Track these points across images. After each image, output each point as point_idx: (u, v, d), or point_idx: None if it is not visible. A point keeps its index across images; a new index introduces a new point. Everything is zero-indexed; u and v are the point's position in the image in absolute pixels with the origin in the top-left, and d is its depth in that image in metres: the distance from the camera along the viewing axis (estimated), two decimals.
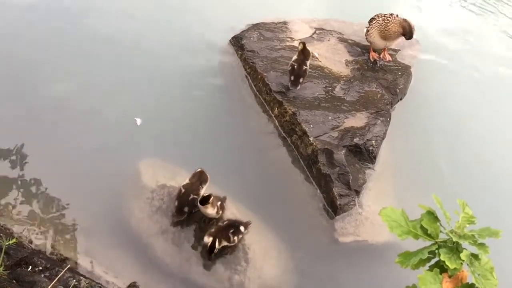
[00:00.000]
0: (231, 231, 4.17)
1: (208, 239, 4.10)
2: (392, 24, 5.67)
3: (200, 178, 4.45)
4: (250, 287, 4.15)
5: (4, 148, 4.79)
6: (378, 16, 5.84)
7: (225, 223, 4.20)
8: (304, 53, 5.32)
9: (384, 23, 5.69)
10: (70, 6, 6.49)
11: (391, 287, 3.95)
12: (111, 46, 5.97)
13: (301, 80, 5.33)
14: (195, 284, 4.12)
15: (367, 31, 5.89)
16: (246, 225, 4.30)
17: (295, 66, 5.29)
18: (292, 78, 5.33)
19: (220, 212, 4.35)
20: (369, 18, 5.99)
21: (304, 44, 5.35)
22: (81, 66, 5.66)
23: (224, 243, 4.16)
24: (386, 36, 5.76)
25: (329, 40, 6.30)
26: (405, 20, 5.67)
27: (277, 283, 4.24)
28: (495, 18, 7.39)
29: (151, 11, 6.53)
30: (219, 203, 4.30)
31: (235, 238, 4.20)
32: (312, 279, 4.31)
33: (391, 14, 5.78)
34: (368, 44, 6.09)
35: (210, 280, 4.15)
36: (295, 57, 5.35)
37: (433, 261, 2.67)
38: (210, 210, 4.24)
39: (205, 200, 4.18)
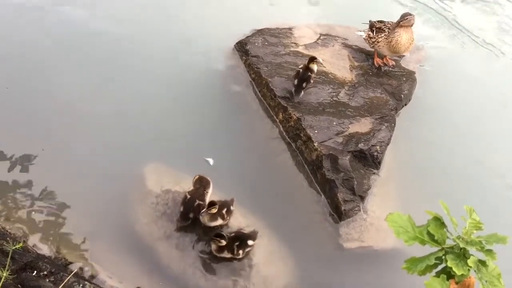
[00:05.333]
0: (237, 244, 4.12)
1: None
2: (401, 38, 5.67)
3: (201, 183, 4.46)
4: None
5: (10, 153, 4.79)
6: (385, 25, 5.80)
7: (232, 235, 4.13)
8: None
9: (394, 38, 5.66)
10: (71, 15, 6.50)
11: None
12: (113, 50, 5.98)
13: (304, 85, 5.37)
14: None
15: (375, 40, 5.84)
16: (253, 236, 4.21)
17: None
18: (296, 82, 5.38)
19: (228, 218, 4.34)
20: (371, 23, 5.96)
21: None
22: (85, 70, 5.67)
23: (229, 255, 4.13)
24: (396, 50, 5.78)
25: (333, 46, 6.31)
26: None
27: None
28: (501, 21, 7.37)
29: (155, 19, 6.53)
30: (224, 209, 4.28)
31: (240, 251, 4.14)
32: (316, 285, 4.29)
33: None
34: (372, 50, 6.09)
35: (214, 286, 4.13)
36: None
37: (440, 267, 2.66)
38: (213, 223, 4.27)
39: (209, 206, 4.19)
